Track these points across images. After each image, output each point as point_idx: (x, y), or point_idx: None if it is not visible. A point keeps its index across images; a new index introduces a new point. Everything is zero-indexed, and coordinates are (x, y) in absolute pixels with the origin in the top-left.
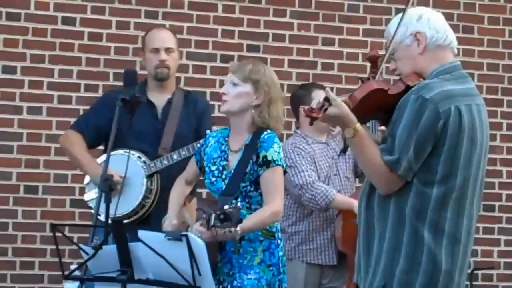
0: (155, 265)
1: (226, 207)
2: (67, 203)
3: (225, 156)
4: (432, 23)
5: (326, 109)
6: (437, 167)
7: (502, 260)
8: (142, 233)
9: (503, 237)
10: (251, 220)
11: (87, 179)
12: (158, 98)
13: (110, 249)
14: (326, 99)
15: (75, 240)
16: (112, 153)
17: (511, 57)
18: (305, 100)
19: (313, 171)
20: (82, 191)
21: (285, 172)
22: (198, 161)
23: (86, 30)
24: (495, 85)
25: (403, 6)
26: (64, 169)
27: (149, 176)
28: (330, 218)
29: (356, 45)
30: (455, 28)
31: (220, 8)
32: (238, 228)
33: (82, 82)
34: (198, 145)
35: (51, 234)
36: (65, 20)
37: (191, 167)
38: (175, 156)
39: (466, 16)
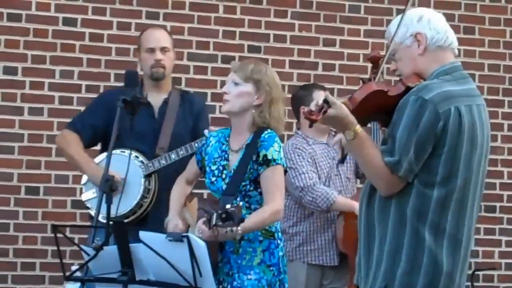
0: (156, 266)
1: (228, 206)
2: (68, 204)
3: (226, 156)
4: (433, 24)
5: (325, 111)
6: (438, 168)
7: (503, 261)
8: (143, 234)
9: (504, 238)
10: (251, 220)
11: (84, 178)
12: (155, 98)
13: (111, 250)
14: (325, 101)
15: (76, 241)
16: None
17: None
18: (306, 101)
19: (313, 173)
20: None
21: (285, 172)
22: (199, 161)
23: (87, 31)
24: (496, 86)
25: (405, 6)
26: (65, 170)
27: (147, 176)
28: (331, 219)
29: (357, 46)
30: (456, 29)
31: (221, 9)
32: (239, 228)
33: (83, 83)
34: (196, 145)
35: (52, 235)
36: (66, 21)
37: (192, 167)
38: (173, 156)
39: (467, 16)
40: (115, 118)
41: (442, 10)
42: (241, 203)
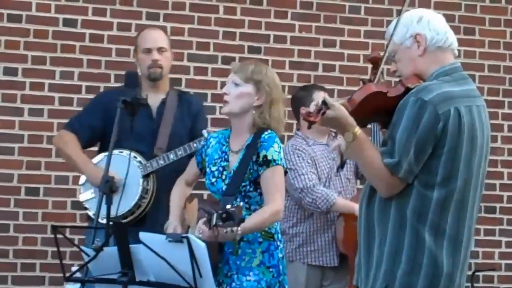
0: (156, 266)
1: (228, 206)
2: (68, 205)
3: (226, 157)
4: (432, 24)
5: (324, 113)
6: (438, 169)
7: (503, 261)
8: (143, 235)
9: (504, 239)
10: (251, 220)
11: (82, 179)
12: (152, 98)
13: (111, 251)
14: (324, 102)
15: (76, 242)
16: (107, 153)
17: None
18: (306, 102)
19: (313, 174)
20: None
21: (285, 172)
22: (199, 162)
23: (87, 31)
24: (496, 87)
25: (405, 8)
26: (65, 171)
27: (145, 176)
28: (331, 219)
29: (357, 46)
30: (456, 30)
31: (221, 9)
32: (239, 228)
33: (83, 83)
34: (195, 145)
35: (52, 236)
36: (66, 22)
37: (192, 168)
38: (172, 156)
39: (467, 17)
40: (113, 119)
41: (442, 11)
42: (241, 204)
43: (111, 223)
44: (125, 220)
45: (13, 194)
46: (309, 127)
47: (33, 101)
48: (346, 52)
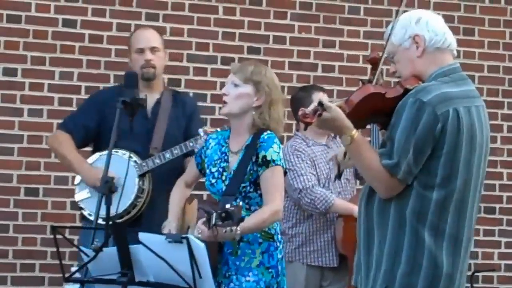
0: (156, 267)
1: (227, 206)
2: (67, 205)
3: (226, 157)
4: (431, 25)
5: (320, 114)
6: (437, 170)
7: (502, 262)
8: (142, 235)
9: (503, 239)
10: (250, 220)
11: (77, 179)
12: (147, 98)
13: (111, 251)
14: (320, 103)
15: (75, 242)
16: (103, 153)
17: None
18: (306, 102)
19: (312, 175)
20: None
21: (285, 173)
22: (198, 164)
23: (87, 32)
24: (495, 87)
25: (405, 8)
26: (64, 172)
27: (141, 176)
28: (331, 220)
29: (357, 47)
30: (455, 30)
31: (220, 10)
32: (238, 228)
33: (83, 84)
34: (191, 144)
35: (52, 236)
36: (66, 22)
37: (191, 169)
38: (168, 155)
39: (466, 18)
40: (107, 118)
41: (442, 12)
42: (240, 203)
43: (110, 223)
44: (120, 220)
45: (13, 194)
46: (305, 128)
47: (33, 101)
48: (346, 52)
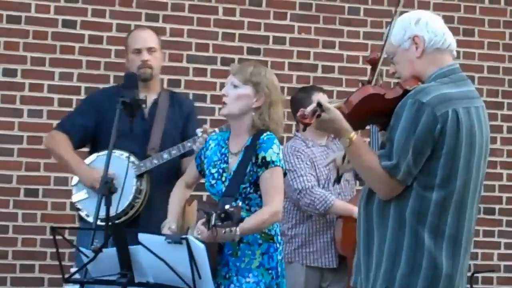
0: (156, 268)
1: (227, 206)
2: (67, 206)
3: (225, 158)
4: (430, 26)
5: (319, 115)
6: (437, 170)
7: (502, 263)
8: (142, 236)
9: (503, 240)
10: (250, 221)
11: (75, 179)
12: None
13: (110, 252)
14: (319, 104)
15: (75, 243)
16: (100, 153)
17: None
18: (305, 103)
19: (312, 176)
20: None
21: (285, 174)
22: (198, 165)
23: (87, 33)
24: (495, 88)
25: (404, 9)
26: (64, 172)
27: (139, 176)
28: (330, 221)
29: (357, 48)
30: (455, 31)
31: (220, 11)
32: (237, 228)
33: (83, 85)
34: (189, 144)
35: (51, 237)
36: (66, 23)
37: (191, 171)
38: (166, 155)
39: (466, 19)
40: (105, 119)
41: (442, 12)
42: (240, 204)
43: (110, 224)
44: (118, 221)
45: (12, 195)
46: (304, 129)
47: (33, 102)
48: (345, 53)
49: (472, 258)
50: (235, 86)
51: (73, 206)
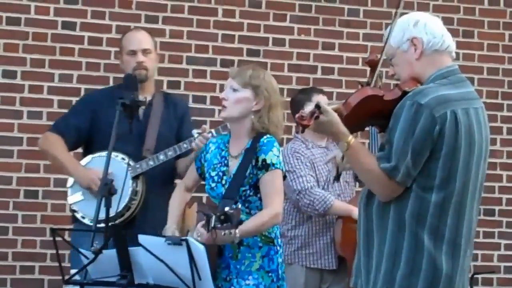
0: (155, 269)
1: (226, 208)
2: (67, 207)
3: (225, 161)
4: (429, 28)
5: (317, 117)
6: (436, 172)
7: (502, 264)
8: (142, 238)
9: (503, 241)
10: (249, 223)
11: (70, 181)
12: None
13: (110, 254)
14: (318, 106)
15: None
16: (95, 155)
17: (511, 62)
18: (305, 105)
19: (312, 177)
20: None
21: (284, 177)
22: (198, 168)
23: (86, 34)
24: (495, 90)
25: (404, 10)
26: (64, 174)
27: (135, 178)
28: (330, 222)
29: (356, 49)
30: (455, 33)
31: (220, 12)
32: (237, 231)
33: (82, 86)
34: (185, 145)
35: (51, 238)
36: (65, 25)
37: (191, 174)
38: (162, 157)
39: (466, 20)
40: (100, 120)
41: (441, 14)
42: (240, 206)
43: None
44: (113, 222)
45: (12, 197)
46: (302, 131)
47: (32, 104)
48: (345, 55)
49: (472, 259)
50: (235, 90)
51: None
